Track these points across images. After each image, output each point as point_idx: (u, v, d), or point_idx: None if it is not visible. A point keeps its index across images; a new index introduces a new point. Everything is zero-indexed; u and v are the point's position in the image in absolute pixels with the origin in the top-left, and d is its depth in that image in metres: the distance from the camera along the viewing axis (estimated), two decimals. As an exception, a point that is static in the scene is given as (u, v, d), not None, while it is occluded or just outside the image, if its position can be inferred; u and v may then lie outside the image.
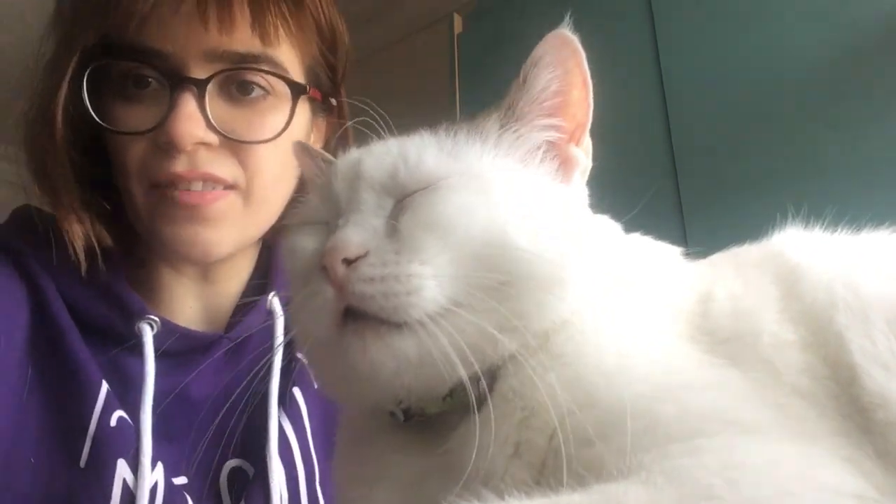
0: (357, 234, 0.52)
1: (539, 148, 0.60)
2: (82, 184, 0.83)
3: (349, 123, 0.61)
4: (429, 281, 0.49)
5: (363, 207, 0.55)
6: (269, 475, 0.84)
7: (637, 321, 0.55)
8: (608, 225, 0.63)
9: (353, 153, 0.62)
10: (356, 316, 0.51)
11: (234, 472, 0.87)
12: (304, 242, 0.59)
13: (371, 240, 0.52)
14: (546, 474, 0.48)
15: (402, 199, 0.55)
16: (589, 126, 0.61)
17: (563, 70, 0.58)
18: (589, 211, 0.63)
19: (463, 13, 2.85)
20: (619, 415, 0.46)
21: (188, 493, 0.82)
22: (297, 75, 0.89)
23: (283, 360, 0.88)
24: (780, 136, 1.81)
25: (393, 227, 0.53)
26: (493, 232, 0.52)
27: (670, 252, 0.63)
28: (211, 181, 0.82)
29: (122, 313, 0.84)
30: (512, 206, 0.54)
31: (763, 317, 0.53)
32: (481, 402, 0.51)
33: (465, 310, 0.50)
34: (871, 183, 1.61)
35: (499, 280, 0.51)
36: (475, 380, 0.51)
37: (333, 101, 0.96)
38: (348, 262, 0.51)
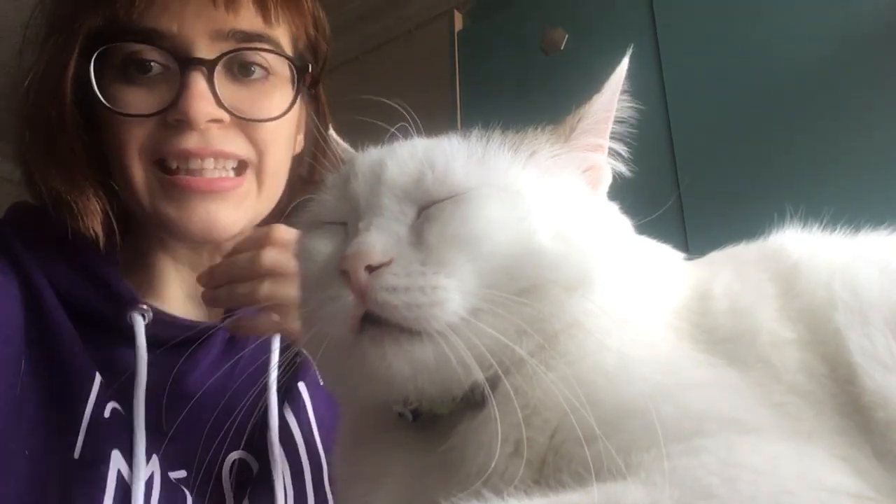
0: (380, 241, 0.51)
1: (584, 162, 0.61)
2: (91, 163, 0.85)
3: (393, 130, 0.62)
4: (453, 293, 0.49)
5: (385, 212, 0.54)
6: (272, 466, 0.83)
7: (639, 321, 0.55)
8: (622, 225, 0.63)
9: (374, 153, 0.60)
10: (374, 322, 0.50)
11: (237, 465, 0.86)
12: (320, 244, 0.58)
13: (394, 247, 0.51)
14: (546, 473, 0.48)
15: (428, 206, 0.54)
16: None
17: (618, 94, 0.60)
18: (607, 208, 0.63)
19: (463, 10, 2.85)
20: (618, 414, 0.46)
21: (187, 487, 0.82)
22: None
23: (286, 354, 0.89)
24: (780, 136, 1.81)
25: (416, 235, 0.53)
26: (522, 243, 0.52)
27: (673, 254, 0.64)
28: (223, 157, 0.85)
29: (113, 304, 0.84)
30: (542, 217, 0.53)
31: (761, 315, 0.52)
32: (486, 400, 0.51)
33: (484, 318, 0.50)
34: (870, 183, 1.61)
35: (522, 287, 0.51)
36: (488, 380, 0.51)
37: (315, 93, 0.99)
38: (370, 269, 0.50)
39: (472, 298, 0.50)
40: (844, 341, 0.49)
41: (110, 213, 0.84)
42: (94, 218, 0.83)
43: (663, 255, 0.63)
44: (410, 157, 0.57)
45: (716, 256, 0.62)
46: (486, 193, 0.53)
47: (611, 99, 0.60)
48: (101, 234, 0.83)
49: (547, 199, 0.56)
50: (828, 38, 1.78)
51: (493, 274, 0.50)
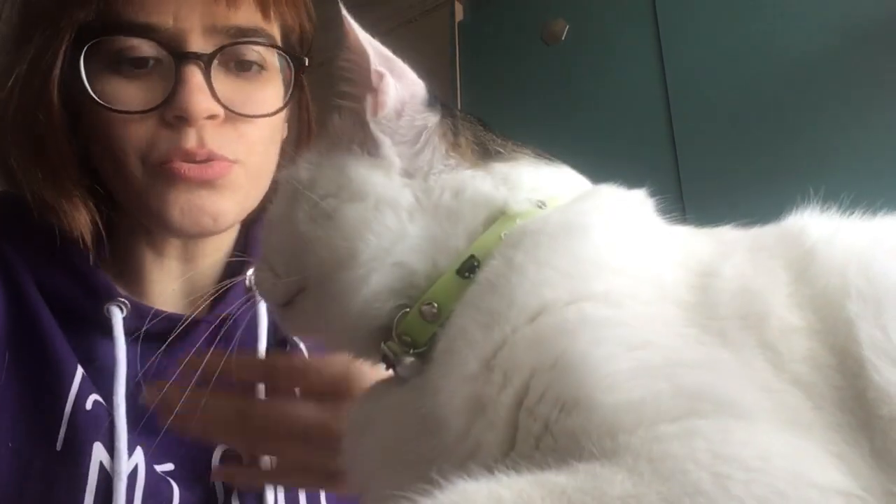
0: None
1: (352, 129, 0.61)
2: (79, 167, 0.82)
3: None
4: (269, 284, 0.63)
5: None
6: (260, 457, 0.82)
7: (613, 284, 0.53)
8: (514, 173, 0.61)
9: None
10: None
11: (227, 455, 0.86)
12: None
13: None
14: (521, 440, 0.47)
15: None
16: (389, 90, 0.59)
17: (347, 47, 0.60)
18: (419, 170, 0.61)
19: (464, 0, 2.83)
20: (599, 385, 0.44)
21: (175, 480, 0.81)
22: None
23: (273, 343, 0.89)
24: (783, 123, 1.80)
25: None
26: (289, 234, 0.61)
27: (644, 217, 0.60)
28: (216, 160, 0.82)
29: (91, 296, 0.83)
30: (304, 203, 0.60)
31: (771, 300, 0.50)
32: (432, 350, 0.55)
33: (302, 295, 0.61)
34: (875, 171, 1.61)
35: (313, 263, 0.59)
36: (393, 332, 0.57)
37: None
38: None
39: (286, 281, 0.61)
40: (855, 331, 0.46)
41: (98, 220, 0.82)
42: (80, 223, 0.81)
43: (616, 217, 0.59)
44: None
45: (727, 235, 0.59)
46: (282, 192, 0.63)
47: (357, 45, 0.59)
48: (87, 236, 0.81)
49: (315, 181, 0.60)
50: (835, 20, 1.77)
51: (283, 258, 0.62)
